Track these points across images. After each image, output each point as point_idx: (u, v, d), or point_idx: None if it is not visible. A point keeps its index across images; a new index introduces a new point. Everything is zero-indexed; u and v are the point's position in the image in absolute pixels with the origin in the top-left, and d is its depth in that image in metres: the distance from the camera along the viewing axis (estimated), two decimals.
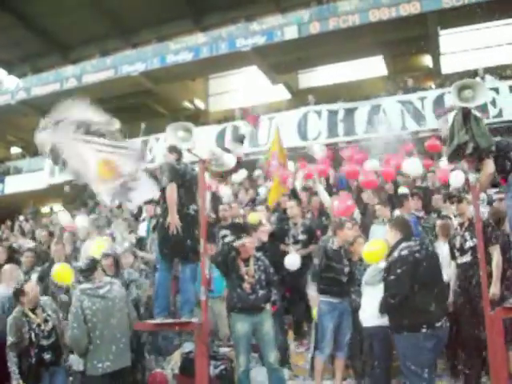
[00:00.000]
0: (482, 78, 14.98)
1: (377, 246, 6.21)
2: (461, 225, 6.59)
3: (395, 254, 5.22)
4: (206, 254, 6.28)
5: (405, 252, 5.14)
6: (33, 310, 6.07)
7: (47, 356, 5.96)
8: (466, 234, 6.36)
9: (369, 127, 15.85)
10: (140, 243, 9.76)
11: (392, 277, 5.12)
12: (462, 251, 6.35)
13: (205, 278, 6.12)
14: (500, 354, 5.06)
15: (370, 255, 6.28)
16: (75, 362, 6.42)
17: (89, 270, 6.11)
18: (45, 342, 5.99)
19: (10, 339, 5.90)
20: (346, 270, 6.75)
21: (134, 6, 22.78)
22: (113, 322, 5.96)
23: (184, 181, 6.54)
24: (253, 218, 8.62)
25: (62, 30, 24.42)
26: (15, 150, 27.79)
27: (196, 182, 6.52)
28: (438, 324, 4.98)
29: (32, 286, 6.18)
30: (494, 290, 5.99)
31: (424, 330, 4.91)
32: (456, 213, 7.17)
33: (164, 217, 6.47)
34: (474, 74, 15.62)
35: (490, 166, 5.40)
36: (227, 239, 8.32)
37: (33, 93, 23.61)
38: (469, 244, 6.27)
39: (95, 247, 8.19)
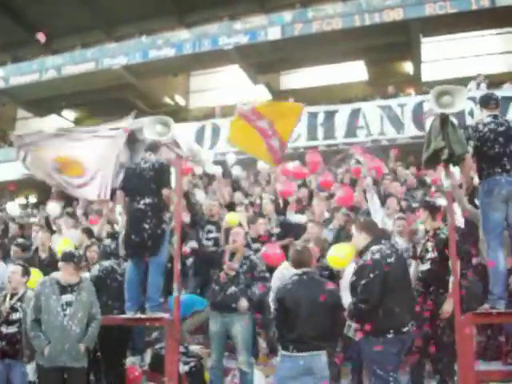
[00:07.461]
0: (478, 85, 15.14)
1: (344, 251, 6.10)
2: (426, 232, 6.38)
3: (367, 257, 5.07)
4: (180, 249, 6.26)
5: (377, 256, 4.99)
6: (12, 296, 6.01)
7: (1, 344, 5.83)
8: (428, 244, 6.15)
9: (348, 131, 15.94)
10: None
11: (363, 281, 4.95)
12: (422, 260, 6.15)
13: (178, 273, 6.09)
14: (468, 360, 5.07)
15: (336, 260, 6.18)
16: (32, 372, 6.03)
17: None
18: (3, 330, 5.86)
19: None
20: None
21: None
22: None
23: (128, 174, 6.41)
24: (231, 218, 7.88)
25: (43, 19, 23.94)
26: None
27: (147, 174, 6.29)
28: (405, 329, 4.89)
29: (14, 271, 6.12)
30: (447, 307, 5.68)
31: (390, 336, 4.83)
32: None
33: None
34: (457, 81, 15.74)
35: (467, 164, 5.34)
36: (211, 235, 8.29)
37: (11, 82, 23.35)
38: (429, 255, 6.06)
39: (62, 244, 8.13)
